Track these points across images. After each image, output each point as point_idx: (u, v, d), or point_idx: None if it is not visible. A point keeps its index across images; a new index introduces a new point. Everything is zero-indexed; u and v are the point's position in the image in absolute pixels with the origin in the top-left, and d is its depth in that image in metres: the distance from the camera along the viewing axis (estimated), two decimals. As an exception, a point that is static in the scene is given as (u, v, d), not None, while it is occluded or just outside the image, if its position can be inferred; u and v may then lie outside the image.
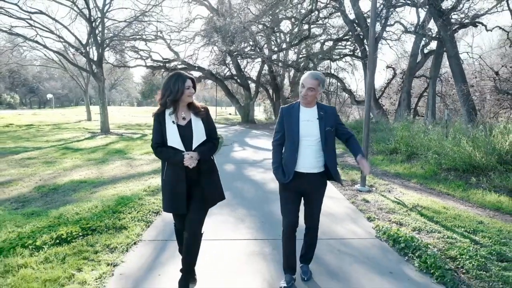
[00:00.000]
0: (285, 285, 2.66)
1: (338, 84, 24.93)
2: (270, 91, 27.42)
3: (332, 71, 24.91)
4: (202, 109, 2.56)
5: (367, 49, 12.27)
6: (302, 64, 24.34)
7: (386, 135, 11.07)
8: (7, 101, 54.28)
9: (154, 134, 2.54)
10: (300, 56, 26.16)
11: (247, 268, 3.05)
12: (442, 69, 18.63)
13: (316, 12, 18.29)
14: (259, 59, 23.48)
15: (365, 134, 5.98)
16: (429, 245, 3.44)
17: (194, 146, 2.48)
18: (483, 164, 6.54)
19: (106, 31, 16.73)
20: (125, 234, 3.69)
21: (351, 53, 22.30)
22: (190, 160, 2.41)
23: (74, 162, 8.54)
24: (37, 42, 16.07)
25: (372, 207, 4.93)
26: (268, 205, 4.95)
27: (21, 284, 2.62)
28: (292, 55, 27.26)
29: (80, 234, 3.59)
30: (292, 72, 27.94)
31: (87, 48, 16.67)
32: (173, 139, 2.46)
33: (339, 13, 17.80)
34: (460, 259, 3.15)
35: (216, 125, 2.72)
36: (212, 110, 2.60)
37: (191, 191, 2.53)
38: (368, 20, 11.83)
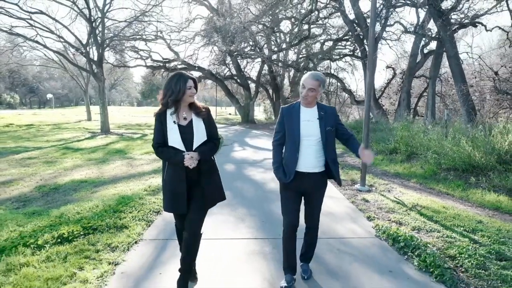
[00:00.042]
0: (286, 284, 2.67)
1: (338, 84, 24.96)
2: (270, 91, 27.46)
3: (332, 71, 24.95)
4: (204, 110, 2.57)
5: (367, 49, 12.29)
6: (302, 64, 24.37)
7: (386, 135, 11.09)
8: (7, 101, 54.29)
9: (155, 133, 2.55)
10: (300, 56, 26.19)
11: (247, 267, 3.07)
12: (441, 69, 18.66)
13: (316, 12, 18.31)
14: (259, 59, 23.51)
15: (365, 134, 5.99)
16: (428, 244, 3.46)
17: (194, 146, 2.49)
18: (483, 164, 6.56)
19: (106, 31, 16.76)
20: (126, 233, 3.71)
21: (351, 53, 22.33)
22: (190, 160, 2.41)
23: (75, 162, 8.56)
24: (37, 42, 16.09)
25: (372, 206, 4.95)
26: (268, 204, 4.97)
27: (23, 283, 2.64)
28: (292, 55, 27.35)
29: (82, 233, 3.61)
30: (292, 72, 27.98)
31: (87, 48, 16.69)
32: (174, 139, 2.47)
33: (339, 13, 17.83)
34: (459, 258, 3.17)
35: (216, 125, 2.71)
36: (212, 110, 2.59)
37: (192, 191, 2.54)
38: (368, 20, 11.85)
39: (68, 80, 51.84)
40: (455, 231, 3.88)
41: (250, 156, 9.75)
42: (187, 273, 2.61)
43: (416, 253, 3.28)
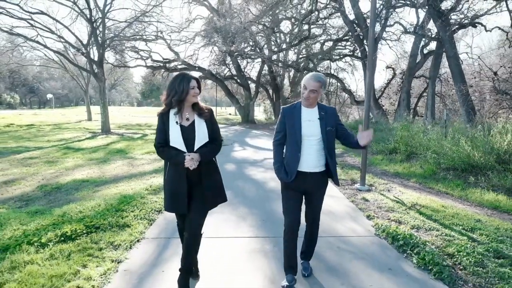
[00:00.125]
0: (287, 284, 2.68)
1: (338, 84, 25.00)
2: (270, 91, 27.50)
3: (332, 71, 25.00)
4: (206, 111, 2.58)
5: (367, 50, 12.33)
6: (302, 64, 24.42)
7: (385, 135, 11.13)
8: (7, 101, 54.33)
9: (157, 133, 2.56)
10: (300, 56, 26.24)
11: (249, 265, 3.11)
12: (441, 69, 18.71)
13: (316, 13, 18.36)
14: (259, 59, 23.56)
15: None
16: (427, 243, 3.50)
17: (196, 147, 2.49)
18: (482, 164, 6.60)
19: (106, 31, 16.79)
20: (128, 232, 3.75)
21: (351, 53, 22.38)
22: (190, 161, 2.42)
23: (76, 162, 8.60)
24: (38, 42, 16.13)
25: (372, 205, 4.99)
26: (269, 203, 5.01)
27: (28, 280, 2.68)
28: (292, 56, 27.41)
29: (84, 231, 3.65)
30: (292, 72, 28.04)
31: (88, 48, 16.74)
32: (176, 140, 2.48)
33: (339, 14, 17.88)
34: (457, 256, 3.21)
35: (219, 126, 2.73)
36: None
37: (193, 191, 2.55)
38: (368, 21, 11.89)
39: (68, 80, 51.90)
40: (454, 230, 3.92)
41: (251, 156, 9.79)
42: (188, 273, 2.62)
43: (415, 251, 3.32)
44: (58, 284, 2.66)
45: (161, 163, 8.00)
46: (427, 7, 12.98)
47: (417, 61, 17.02)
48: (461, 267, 3.05)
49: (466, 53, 18.96)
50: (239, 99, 27.68)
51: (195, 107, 2.56)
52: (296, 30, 22.44)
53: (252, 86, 26.83)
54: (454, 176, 6.83)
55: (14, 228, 3.72)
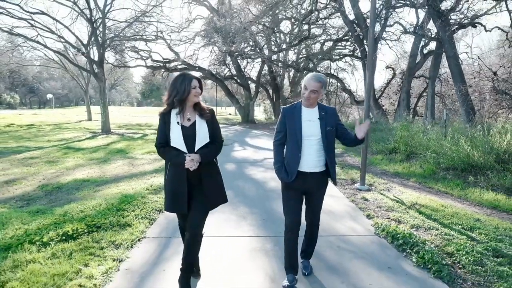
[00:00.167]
0: (288, 284, 2.68)
1: (338, 84, 25.05)
2: (270, 91, 27.53)
3: (332, 71, 25.04)
4: (208, 111, 2.59)
5: (367, 50, 12.36)
6: (302, 64, 24.46)
7: (385, 135, 11.16)
8: (7, 101, 54.35)
9: (159, 133, 2.57)
10: (300, 56, 26.27)
11: (250, 264, 3.12)
12: (441, 69, 18.74)
13: (316, 13, 18.39)
14: (259, 59, 23.58)
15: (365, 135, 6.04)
16: (426, 242, 3.52)
17: (196, 148, 2.49)
18: (481, 163, 6.63)
19: (107, 31, 16.80)
20: (129, 231, 3.77)
21: (351, 53, 22.42)
22: (191, 162, 2.42)
23: (77, 162, 8.62)
24: (38, 42, 16.14)
25: (371, 205, 5.01)
26: (269, 203, 5.03)
27: (30, 278, 2.70)
28: (292, 56, 27.44)
29: (86, 231, 3.67)
30: (292, 72, 28.07)
31: (88, 48, 16.76)
32: (176, 140, 2.48)
33: (339, 14, 17.91)
34: (456, 255, 3.23)
35: (220, 127, 2.74)
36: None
37: (193, 192, 2.56)
38: (368, 21, 11.91)
39: (68, 80, 51.99)
40: (453, 229, 3.94)
41: (251, 156, 9.81)
42: (189, 272, 2.63)
43: (414, 250, 3.34)
44: (60, 282, 2.68)
45: (161, 163, 8.02)
46: (426, 7, 13.01)
47: (417, 61, 17.05)
48: (460, 266, 3.08)
49: (466, 53, 19.01)
50: (239, 99, 27.70)
51: (197, 107, 2.56)
52: (296, 30, 22.47)
53: (252, 86, 26.86)
54: (454, 175, 6.85)
55: (16, 227, 3.74)
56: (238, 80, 25.82)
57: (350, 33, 18.41)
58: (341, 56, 23.95)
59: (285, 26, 25.99)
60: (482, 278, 2.87)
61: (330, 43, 22.31)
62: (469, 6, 13.20)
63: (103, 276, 2.82)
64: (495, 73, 12.64)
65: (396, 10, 16.83)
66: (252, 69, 27.13)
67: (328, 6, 18.55)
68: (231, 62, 24.55)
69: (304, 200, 2.84)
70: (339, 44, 22.25)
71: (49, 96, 51.17)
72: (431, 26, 15.14)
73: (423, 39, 16.13)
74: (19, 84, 56.33)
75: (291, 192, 2.74)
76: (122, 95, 77.10)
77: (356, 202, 5.19)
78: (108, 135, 15.49)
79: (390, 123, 14.73)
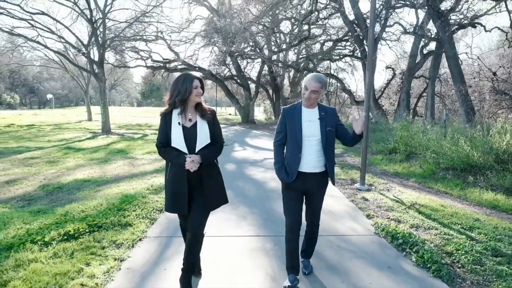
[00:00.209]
0: (289, 284, 2.68)
1: (338, 84, 25.07)
2: (270, 92, 27.54)
3: (332, 72, 25.05)
4: (209, 112, 2.58)
5: (367, 50, 12.38)
6: (302, 64, 24.48)
7: (385, 135, 11.18)
8: (7, 101, 54.39)
9: (159, 133, 2.57)
10: (300, 56, 26.29)
11: (250, 264, 3.14)
12: (441, 69, 18.78)
13: (316, 13, 18.42)
14: (259, 60, 23.60)
15: (364, 134, 6.06)
16: (426, 241, 3.54)
17: (197, 148, 2.49)
18: (481, 163, 6.65)
19: (107, 31, 16.82)
20: (131, 230, 3.78)
21: (351, 53, 22.45)
22: (191, 164, 2.42)
23: (77, 162, 8.64)
24: (38, 42, 16.17)
25: (371, 205, 5.03)
26: (269, 203, 5.05)
27: (32, 277, 2.72)
28: (292, 56, 27.47)
29: (87, 230, 3.69)
30: (292, 73, 28.10)
31: (88, 48, 16.78)
32: (177, 141, 2.48)
33: (339, 14, 17.93)
34: (456, 254, 3.25)
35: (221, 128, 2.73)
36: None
37: (194, 192, 2.56)
38: (368, 21, 11.93)
39: (68, 80, 52.04)
40: (453, 229, 3.96)
41: (251, 156, 9.82)
42: (190, 272, 2.64)
43: (414, 250, 3.36)
44: (62, 281, 2.69)
45: (162, 163, 8.04)
46: (426, 7, 13.04)
47: (416, 61, 17.08)
48: (460, 265, 3.10)
49: (466, 53, 19.09)
50: (239, 99, 27.72)
51: (198, 107, 2.57)
52: (296, 30, 22.50)
53: (252, 86, 26.87)
54: (453, 175, 6.87)
55: (18, 227, 3.76)
56: (238, 80, 25.84)
57: (350, 34, 18.44)
58: (341, 56, 23.98)
59: (285, 26, 26.06)
60: (481, 277, 2.89)
61: (330, 43, 22.34)
62: (468, 6, 13.23)
63: (104, 275, 2.83)
64: (494, 73, 12.66)
65: (396, 10, 16.87)
66: (252, 69, 27.18)
67: (328, 6, 18.58)
68: (231, 62, 24.57)
69: (304, 200, 2.86)
70: (339, 44, 22.27)
71: (49, 96, 51.20)
72: (431, 27, 15.18)
73: (423, 39, 16.16)
74: (19, 84, 56.39)
75: (291, 193, 2.75)
76: (122, 95, 77.15)
77: (356, 202, 5.21)
78: (108, 135, 15.51)
79: (390, 123, 14.75)
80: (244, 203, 5.03)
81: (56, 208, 4.56)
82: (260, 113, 36.90)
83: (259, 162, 8.88)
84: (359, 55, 18.69)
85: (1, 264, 2.95)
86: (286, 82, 29.17)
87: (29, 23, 15.29)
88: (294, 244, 2.75)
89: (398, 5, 15.80)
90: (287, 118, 2.77)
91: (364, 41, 16.42)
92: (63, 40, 17.26)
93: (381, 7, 15.46)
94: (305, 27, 20.57)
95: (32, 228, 3.70)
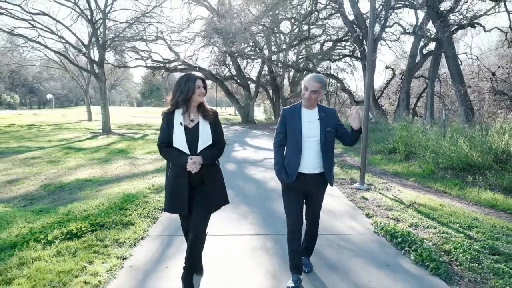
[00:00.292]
0: (293, 285, 2.68)
1: (338, 84, 25.11)
2: (270, 92, 27.58)
3: (332, 72, 25.10)
4: (211, 113, 2.59)
5: (366, 50, 12.43)
6: (302, 64, 24.52)
7: (385, 135, 11.22)
8: (7, 101, 54.42)
9: (161, 133, 2.57)
10: (300, 56, 26.33)
11: (251, 262, 3.18)
12: (440, 69, 18.83)
13: (316, 13, 18.48)
14: (259, 60, 23.64)
15: (364, 134, 6.11)
16: (425, 240, 3.59)
17: (199, 149, 2.49)
18: (480, 163, 6.69)
19: (107, 31, 16.86)
20: (132, 229, 3.82)
21: (351, 53, 22.49)
22: (193, 165, 2.42)
23: (78, 162, 8.67)
24: (38, 42, 16.20)
25: (371, 204, 5.07)
26: (270, 202, 5.09)
27: (36, 275, 2.76)
28: (291, 56, 27.50)
29: (89, 229, 3.73)
30: (292, 73, 28.13)
31: (89, 48, 16.82)
32: (179, 141, 2.47)
33: (338, 14, 17.97)
34: (454, 253, 3.30)
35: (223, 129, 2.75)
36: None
37: (195, 193, 2.56)
38: (368, 21, 11.98)
39: (68, 80, 52.08)
40: (451, 228, 4.01)
41: (251, 156, 9.86)
42: (192, 270, 2.67)
43: (412, 248, 3.40)
44: (66, 279, 2.73)
45: (162, 163, 8.07)
46: (426, 8, 13.08)
47: (416, 61, 17.12)
48: (458, 263, 3.14)
49: (465, 53, 19.17)
50: (239, 99, 27.75)
51: (200, 108, 2.57)
52: (296, 30, 22.55)
53: (252, 86, 26.91)
54: (452, 175, 6.91)
55: (21, 226, 3.80)
56: (238, 80, 25.88)
57: (349, 34, 18.49)
58: (341, 57, 24.02)
59: (285, 26, 26.09)
60: (478, 275, 2.93)
61: (330, 44, 22.38)
62: (468, 6, 13.28)
63: (107, 273, 2.87)
64: (493, 74, 12.71)
65: (396, 10, 16.93)
66: (252, 69, 27.23)
67: (328, 6, 18.63)
68: (231, 62, 24.61)
69: (304, 200, 2.88)
70: (339, 44, 22.31)
71: (49, 96, 51.22)
72: (431, 27, 15.22)
73: (423, 39, 16.20)
74: (19, 84, 56.43)
75: (291, 193, 2.77)
76: (122, 95, 77.17)
77: (356, 201, 5.25)
78: (108, 135, 15.54)
79: (389, 123, 14.79)
80: (245, 203, 5.07)
81: (58, 208, 4.60)
82: (260, 113, 36.94)
83: (259, 162, 8.92)
84: (359, 55, 18.73)
85: (6, 262, 2.99)
86: (286, 82, 29.22)
87: (29, 23, 15.33)
88: (297, 244, 2.77)
89: (397, 5, 15.86)
90: (287, 118, 2.78)
91: (364, 41, 16.47)
92: (63, 40, 17.31)
93: (381, 7, 15.50)
94: (305, 27, 20.63)
95: (35, 227, 3.74)
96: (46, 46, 17.06)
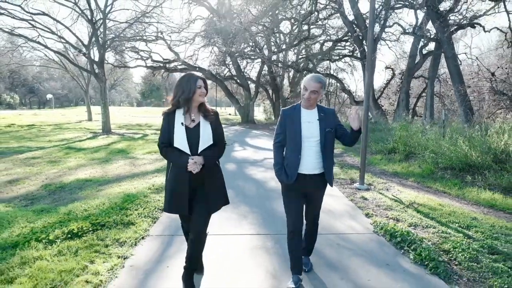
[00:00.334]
0: (293, 285, 2.68)
1: (338, 84, 25.14)
2: (270, 92, 27.61)
3: (332, 72, 25.13)
4: (212, 113, 2.60)
5: (366, 50, 12.44)
6: (302, 64, 24.54)
7: (384, 135, 11.24)
8: (7, 101, 54.42)
9: (162, 133, 2.57)
10: (300, 56, 26.36)
11: (251, 262, 3.20)
12: (440, 69, 18.86)
13: (316, 13, 18.49)
14: (259, 60, 23.65)
15: (363, 134, 6.13)
16: (424, 239, 3.61)
17: (200, 149, 2.49)
18: (479, 163, 6.71)
19: (107, 32, 16.87)
20: (133, 229, 3.84)
21: (351, 53, 22.52)
22: (194, 165, 2.42)
23: (78, 162, 8.69)
24: (38, 42, 16.22)
25: (370, 204, 5.09)
26: (270, 202, 5.11)
27: (38, 275, 2.78)
28: (291, 56, 27.52)
29: (90, 229, 3.75)
30: (291, 73, 28.17)
31: (89, 48, 16.83)
32: (180, 141, 2.47)
33: (338, 14, 17.99)
34: (453, 252, 3.32)
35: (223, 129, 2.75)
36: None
37: (195, 193, 2.56)
38: (367, 21, 11.99)
39: (68, 80, 52.10)
40: (450, 227, 4.03)
41: (251, 156, 9.88)
42: (192, 269, 2.68)
43: (412, 248, 3.42)
44: (68, 278, 2.75)
45: (163, 163, 8.09)
46: (425, 8, 13.10)
47: (416, 61, 17.15)
48: (456, 263, 3.16)
49: (465, 53, 19.20)
50: (239, 99, 27.77)
51: (201, 108, 2.58)
52: (295, 30, 22.57)
53: (252, 86, 26.93)
54: (452, 175, 6.93)
55: (22, 226, 3.82)
56: (238, 80, 25.90)
57: (349, 34, 18.51)
58: (341, 57, 24.05)
59: (285, 26, 26.12)
60: (477, 274, 2.95)
61: (329, 44, 22.40)
62: (467, 7, 13.31)
63: (108, 273, 2.89)
64: (493, 74, 12.74)
65: (395, 11, 16.96)
66: (252, 69, 27.26)
67: (327, 6, 18.66)
68: (231, 63, 24.63)
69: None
70: (339, 44, 22.34)
71: (49, 96, 51.22)
72: (430, 27, 15.25)
73: (422, 39, 16.23)
74: (19, 84, 56.45)
75: (291, 194, 2.77)
76: (121, 95, 77.18)
77: (356, 201, 5.27)
78: (108, 135, 15.56)
79: (389, 123, 14.81)
80: (245, 202, 5.09)
81: (59, 207, 4.61)
82: (260, 113, 36.97)
83: (259, 162, 8.94)
84: (358, 55, 18.75)
85: (7, 261, 3.01)
86: (286, 82, 29.25)
87: (29, 23, 15.36)
88: (297, 244, 2.78)
89: (397, 5, 15.89)
90: (286, 119, 2.78)
91: (364, 41, 16.49)
92: (63, 40, 17.33)
93: (381, 7, 15.53)
94: (305, 27, 20.64)
95: (36, 227, 3.76)
96: (46, 46, 17.09)
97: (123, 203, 4.67)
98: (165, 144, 2.54)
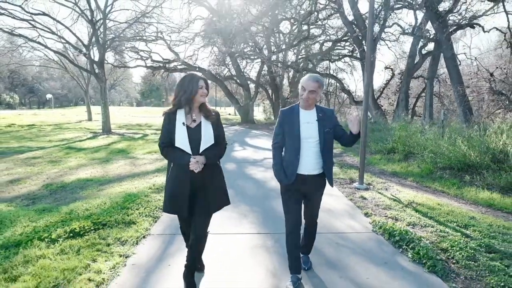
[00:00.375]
0: (292, 286, 2.68)
1: (337, 84, 25.18)
2: (270, 92, 27.64)
3: (331, 72, 25.17)
4: (213, 113, 2.61)
5: (366, 50, 12.48)
6: (301, 64, 24.59)
7: (384, 135, 11.28)
8: (7, 101, 54.42)
9: (163, 133, 2.58)
10: (299, 56, 26.40)
11: (251, 261, 3.23)
12: (439, 69, 18.91)
13: (316, 13, 18.54)
14: (259, 60, 23.70)
15: (363, 134, 6.17)
16: (422, 238, 3.64)
17: (201, 149, 2.49)
18: (477, 163, 6.75)
19: (107, 32, 16.90)
20: (134, 228, 3.88)
21: (350, 53, 22.56)
22: (195, 164, 2.43)
23: (79, 161, 8.72)
24: (39, 43, 16.24)
25: (369, 203, 5.12)
26: (269, 201, 5.15)
27: (41, 273, 2.82)
28: (291, 56, 27.57)
29: (92, 228, 3.78)
30: (291, 73, 28.20)
31: (89, 48, 16.86)
32: (181, 141, 2.48)
33: (338, 15, 18.04)
34: (451, 251, 3.36)
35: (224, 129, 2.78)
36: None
37: (195, 194, 2.56)
38: (367, 22, 12.03)
39: (67, 80, 52.08)
40: (448, 226, 4.07)
41: (251, 156, 9.92)
42: (193, 268, 2.70)
43: (410, 246, 3.46)
44: (70, 277, 2.79)
45: (163, 162, 8.13)
46: (425, 8, 13.15)
47: (415, 61, 17.19)
48: (454, 261, 3.20)
49: (464, 53, 19.24)
50: (239, 99, 27.81)
51: (202, 108, 2.59)
52: (295, 30, 22.61)
53: (252, 86, 26.97)
54: (450, 175, 6.97)
55: (24, 225, 3.86)
56: (238, 80, 25.93)
57: (349, 34, 18.55)
58: (340, 57, 24.10)
59: (285, 26, 26.17)
60: (474, 272, 2.99)
61: (329, 44, 22.45)
62: (467, 7, 13.37)
63: (110, 271, 2.93)
64: (491, 74, 12.79)
65: (395, 11, 17.00)
66: (252, 69, 27.36)
67: (327, 7, 18.70)
68: (230, 63, 24.67)
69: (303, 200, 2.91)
70: (338, 44, 22.38)
71: (49, 96, 51.22)
72: (430, 27, 15.30)
73: (422, 40, 16.28)
74: (19, 84, 56.44)
75: (290, 194, 2.78)
76: (121, 95, 77.15)
77: (355, 200, 5.30)
78: (108, 135, 15.59)
79: (388, 123, 14.85)
80: (245, 202, 5.12)
81: (60, 207, 4.65)
82: (259, 113, 37.01)
83: (259, 161, 8.98)
84: (358, 55, 18.80)
85: (11, 260, 3.05)
86: (285, 82, 29.28)
87: (30, 23, 15.39)
88: (295, 244, 2.79)
89: (396, 6, 15.93)
90: (285, 120, 2.78)
91: (363, 41, 16.52)
92: (63, 41, 17.37)
93: (380, 8, 15.56)
94: (305, 27, 20.69)
95: (38, 226, 3.79)
96: (46, 46, 17.11)
97: (124, 203, 4.70)
98: (166, 144, 2.55)
